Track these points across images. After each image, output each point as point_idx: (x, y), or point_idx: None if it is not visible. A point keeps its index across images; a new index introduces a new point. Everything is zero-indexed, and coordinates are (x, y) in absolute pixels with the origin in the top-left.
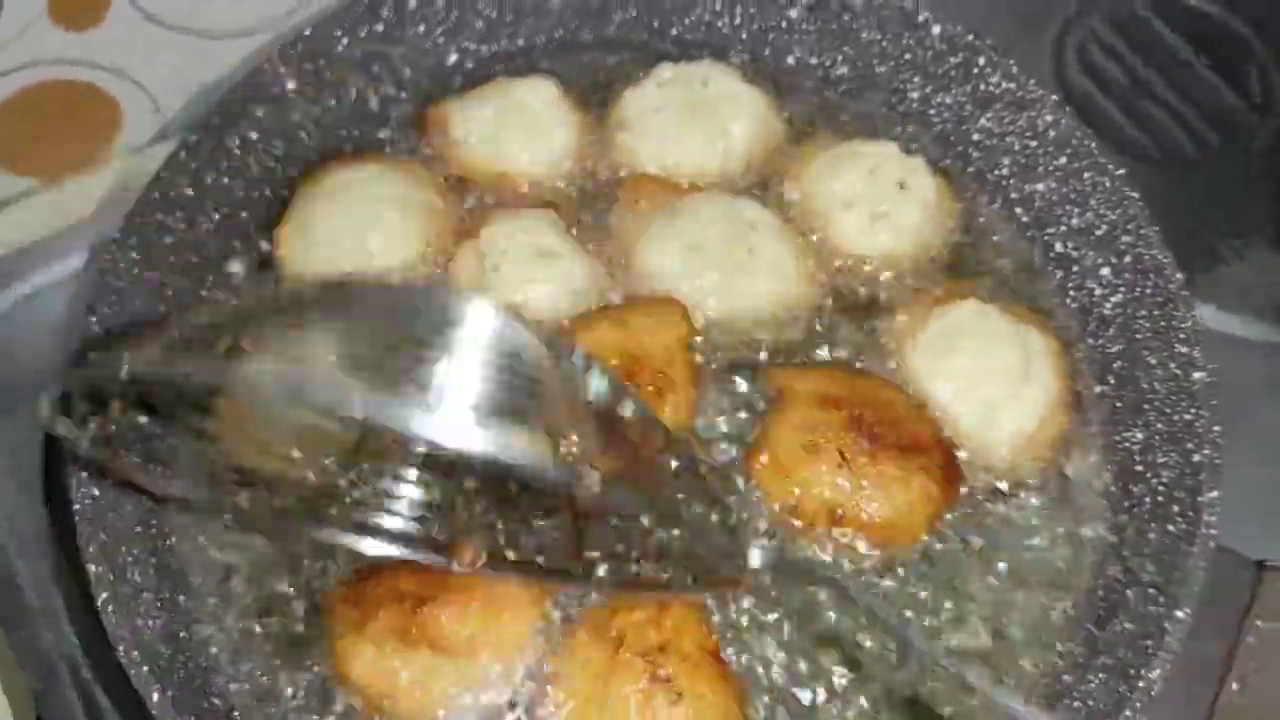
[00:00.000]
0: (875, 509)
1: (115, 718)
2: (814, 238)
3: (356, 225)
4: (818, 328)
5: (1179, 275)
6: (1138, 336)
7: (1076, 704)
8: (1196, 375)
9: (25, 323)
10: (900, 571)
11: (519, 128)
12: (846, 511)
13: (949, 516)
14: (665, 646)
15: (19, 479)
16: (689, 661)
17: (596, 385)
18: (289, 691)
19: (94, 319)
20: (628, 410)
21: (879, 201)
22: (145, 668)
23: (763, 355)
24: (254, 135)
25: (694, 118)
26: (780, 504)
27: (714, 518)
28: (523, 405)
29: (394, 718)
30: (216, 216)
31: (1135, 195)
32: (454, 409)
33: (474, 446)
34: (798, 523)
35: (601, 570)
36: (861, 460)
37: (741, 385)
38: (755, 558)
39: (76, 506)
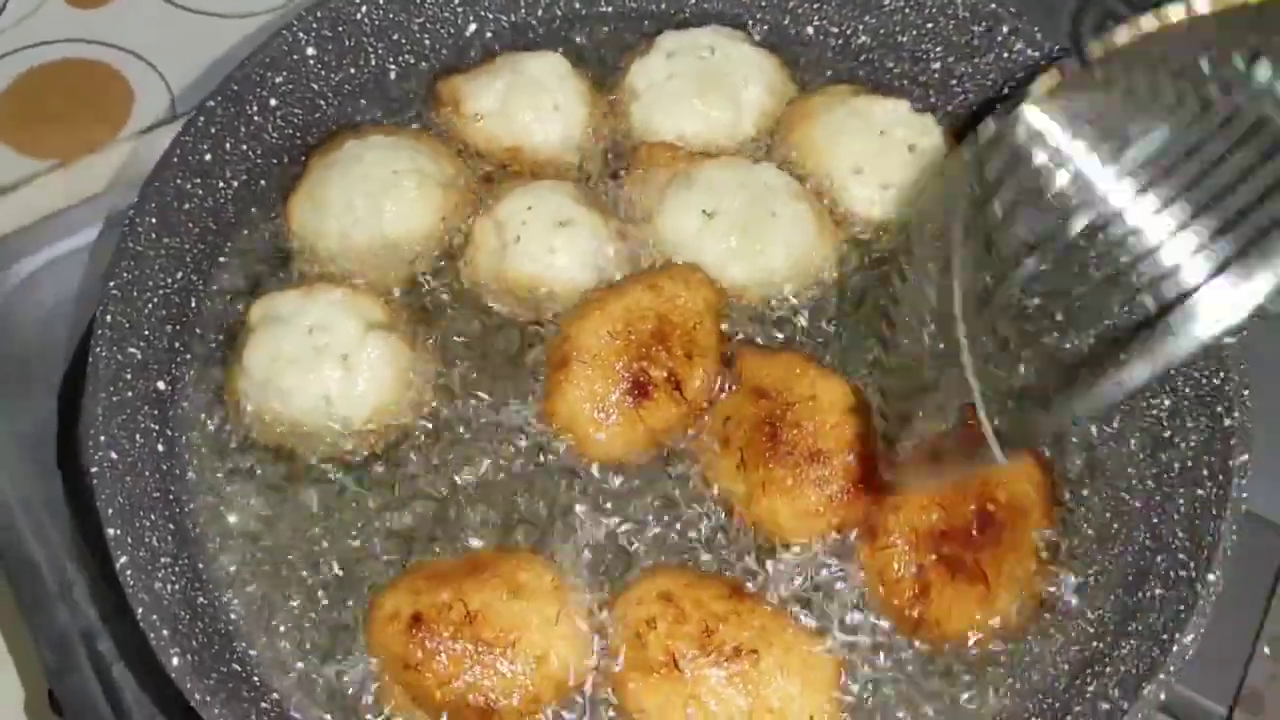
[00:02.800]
0: (758, 511)
1: (131, 692)
2: (825, 202)
3: (371, 197)
4: (833, 294)
5: None
6: None
7: (1109, 669)
8: (1226, 340)
9: (37, 298)
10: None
11: (530, 101)
12: (736, 505)
13: None
14: (710, 628)
15: (35, 456)
16: (739, 620)
17: None
18: (309, 657)
19: (112, 284)
20: None
21: (889, 168)
22: (165, 632)
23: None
24: (273, 102)
25: (704, 85)
26: (707, 474)
27: None
28: None
29: (418, 690)
30: (235, 184)
31: None
32: None
33: None
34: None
35: None
36: (756, 465)
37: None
38: None
39: (94, 469)
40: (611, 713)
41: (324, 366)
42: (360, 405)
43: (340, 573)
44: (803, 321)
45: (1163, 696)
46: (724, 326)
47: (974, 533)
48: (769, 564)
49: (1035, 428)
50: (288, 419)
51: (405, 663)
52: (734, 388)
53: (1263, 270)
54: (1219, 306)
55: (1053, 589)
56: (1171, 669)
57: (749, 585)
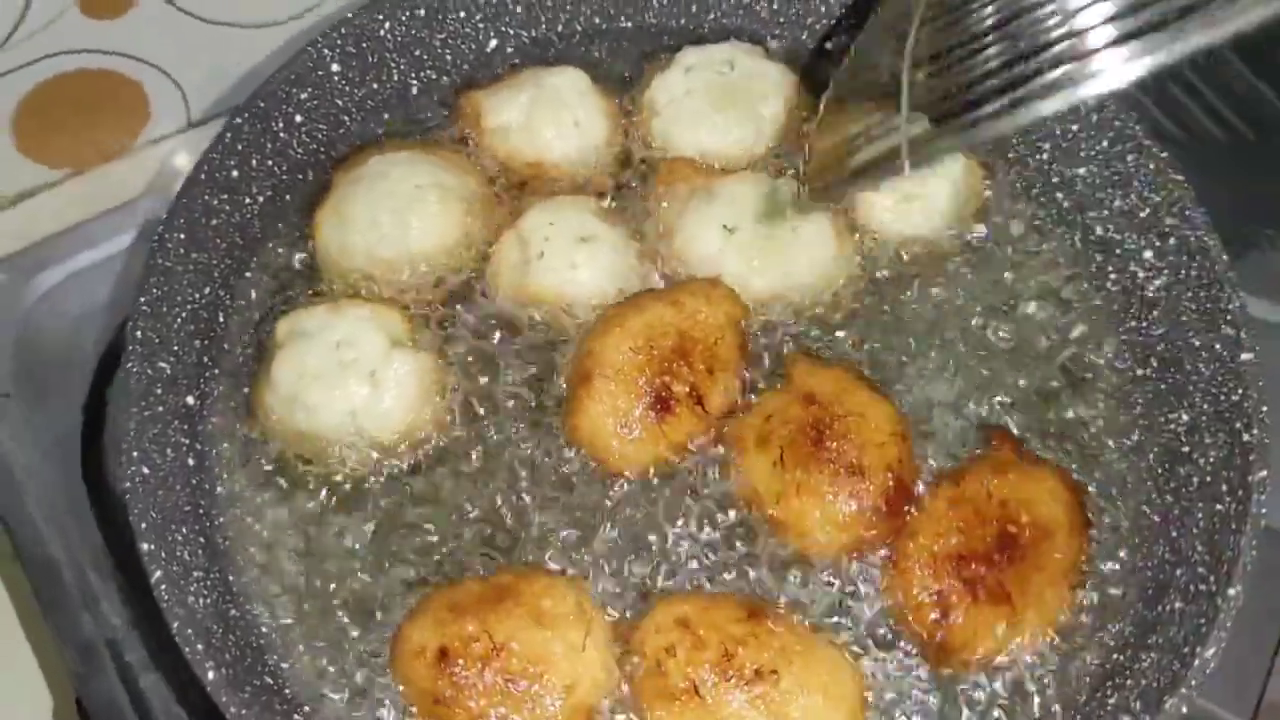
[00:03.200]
0: (786, 512)
1: (157, 699)
2: (845, 216)
3: (395, 212)
4: (854, 307)
5: (1224, 257)
6: (1182, 319)
7: (1130, 682)
8: (1244, 356)
9: (64, 307)
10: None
11: (551, 116)
12: (765, 502)
13: None
14: (729, 652)
15: (59, 466)
16: (757, 642)
17: None
18: (342, 670)
19: (143, 299)
20: None
21: (908, 181)
22: (200, 645)
23: (798, 332)
24: (298, 118)
25: (724, 101)
26: (734, 477)
27: None
28: None
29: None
30: (260, 199)
31: (1180, 178)
32: None
33: None
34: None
35: None
36: (795, 465)
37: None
38: None
39: (127, 484)
40: None
41: (350, 382)
42: (386, 421)
43: (369, 587)
44: (822, 333)
45: (1184, 710)
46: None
47: (995, 554)
48: (791, 583)
49: (941, 143)
50: (313, 434)
51: (434, 698)
52: (778, 388)
53: (1156, 51)
54: (1114, 71)
55: (1073, 604)
56: (1193, 682)
57: (772, 603)
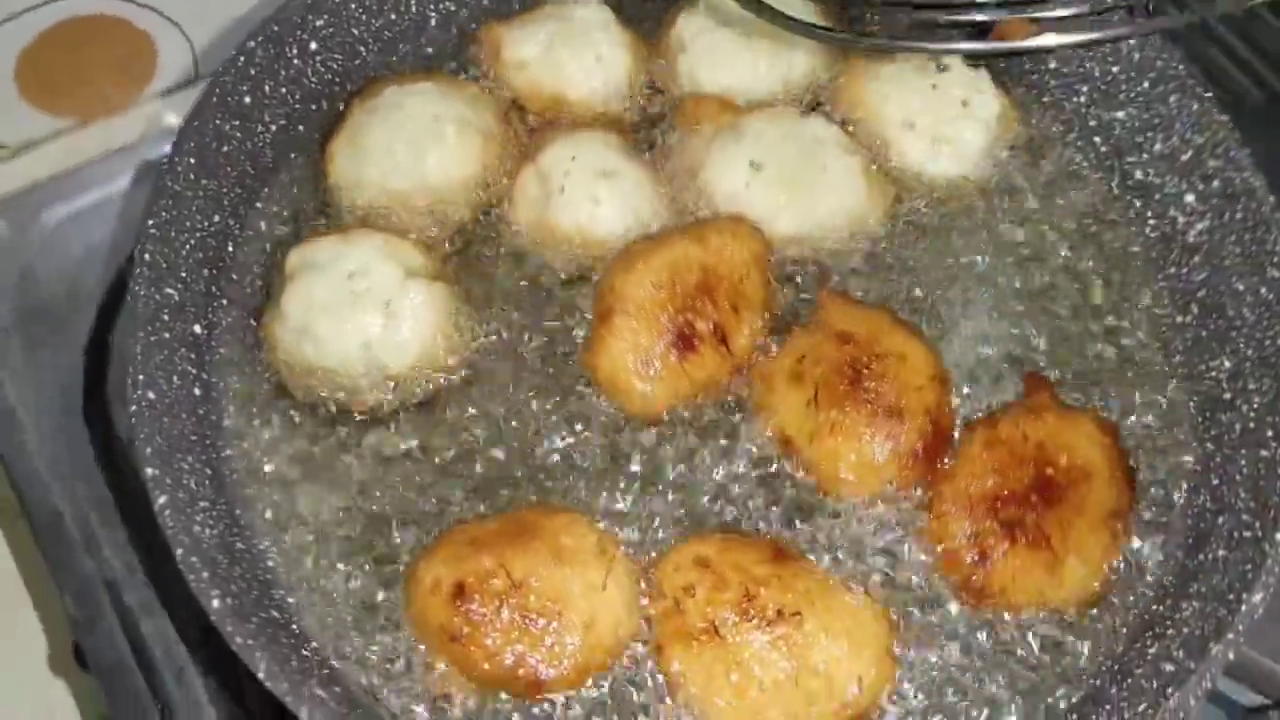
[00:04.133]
0: (818, 452)
1: (158, 644)
2: (876, 157)
3: (412, 143)
4: (884, 249)
5: (1271, 198)
6: (1225, 263)
7: (1171, 631)
8: None
9: (63, 249)
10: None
11: (573, 50)
12: (796, 442)
13: None
14: (750, 593)
15: (61, 409)
16: (780, 583)
17: None
18: (351, 606)
19: (150, 223)
20: None
21: (941, 124)
22: (205, 574)
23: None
24: (313, 46)
25: (753, 39)
26: (760, 413)
27: None
28: None
29: (463, 662)
30: (273, 127)
31: (1225, 118)
32: None
33: None
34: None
35: None
36: (830, 405)
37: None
38: None
39: (134, 409)
40: (657, 679)
41: (363, 313)
42: (402, 353)
43: (379, 523)
44: (851, 275)
45: (1231, 656)
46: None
47: (1033, 496)
48: (820, 528)
49: None
50: (324, 367)
51: (450, 635)
52: (806, 326)
53: None
54: None
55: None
56: (1240, 627)
57: (797, 547)
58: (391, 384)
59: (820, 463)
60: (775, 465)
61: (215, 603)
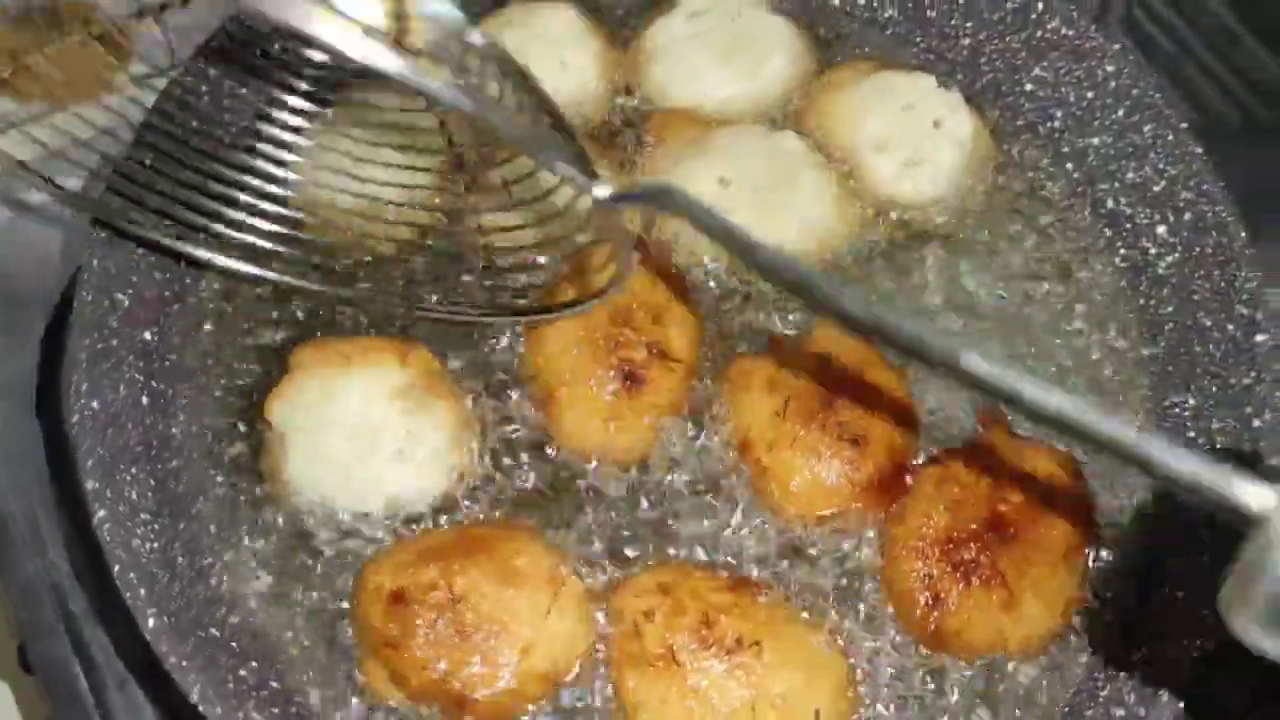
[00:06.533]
0: (774, 461)
1: (101, 652)
2: (848, 178)
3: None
4: (853, 271)
5: (1243, 234)
6: (1194, 297)
7: (1123, 674)
8: (1259, 338)
9: (25, 241)
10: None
11: (539, 54)
12: (755, 448)
13: None
14: (709, 620)
15: (14, 406)
16: (740, 612)
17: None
18: (291, 628)
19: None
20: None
21: (913, 145)
22: (142, 591)
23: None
24: (277, 47)
25: (727, 51)
26: (731, 415)
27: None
28: None
29: (395, 669)
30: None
31: (1199, 150)
32: None
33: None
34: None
35: None
36: (797, 419)
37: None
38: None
39: (75, 418)
40: (611, 706)
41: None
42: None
43: (323, 533)
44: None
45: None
46: (758, 315)
47: (986, 535)
48: (783, 563)
49: None
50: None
51: (384, 640)
52: (798, 339)
53: None
54: None
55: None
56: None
57: (759, 579)
58: None
59: (773, 471)
60: (739, 494)
61: (151, 621)
